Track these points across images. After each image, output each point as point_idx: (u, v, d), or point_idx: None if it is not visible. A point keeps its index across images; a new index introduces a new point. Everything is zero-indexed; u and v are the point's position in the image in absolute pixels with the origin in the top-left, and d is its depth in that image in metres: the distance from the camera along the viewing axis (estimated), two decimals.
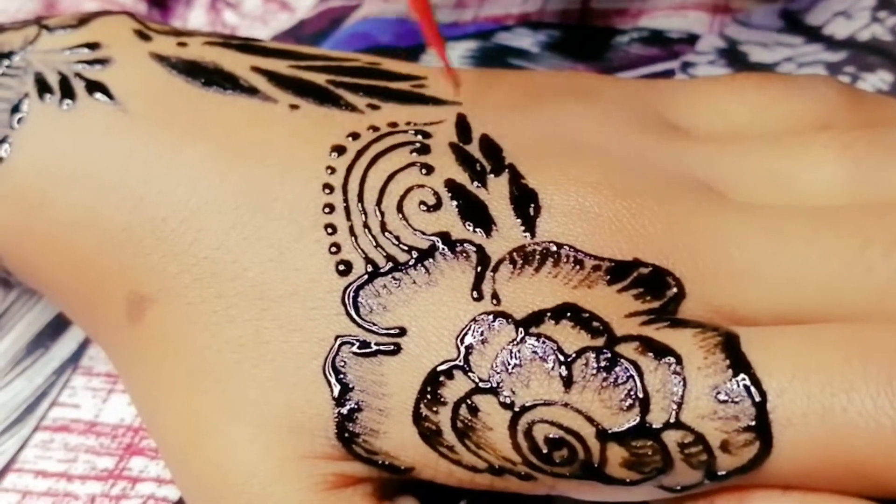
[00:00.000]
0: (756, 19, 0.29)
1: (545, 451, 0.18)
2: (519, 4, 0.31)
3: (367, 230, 0.20)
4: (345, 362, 0.19)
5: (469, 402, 0.18)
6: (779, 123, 0.22)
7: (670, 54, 0.28)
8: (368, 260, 0.20)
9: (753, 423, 0.17)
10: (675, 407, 0.17)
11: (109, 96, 0.22)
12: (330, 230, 0.20)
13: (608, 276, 0.19)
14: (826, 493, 0.18)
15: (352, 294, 0.20)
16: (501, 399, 0.18)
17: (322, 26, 0.33)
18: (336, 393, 0.19)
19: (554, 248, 0.19)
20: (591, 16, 0.30)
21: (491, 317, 0.19)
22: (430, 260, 0.19)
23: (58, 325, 0.27)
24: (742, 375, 0.17)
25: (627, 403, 0.18)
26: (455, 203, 0.20)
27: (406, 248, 0.20)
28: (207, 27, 0.35)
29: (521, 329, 0.19)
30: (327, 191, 0.20)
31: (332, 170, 0.21)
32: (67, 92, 0.22)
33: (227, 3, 0.36)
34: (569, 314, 0.19)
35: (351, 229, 0.20)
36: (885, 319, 0.18)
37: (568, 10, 0.31)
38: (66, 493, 0.23)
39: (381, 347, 0.19)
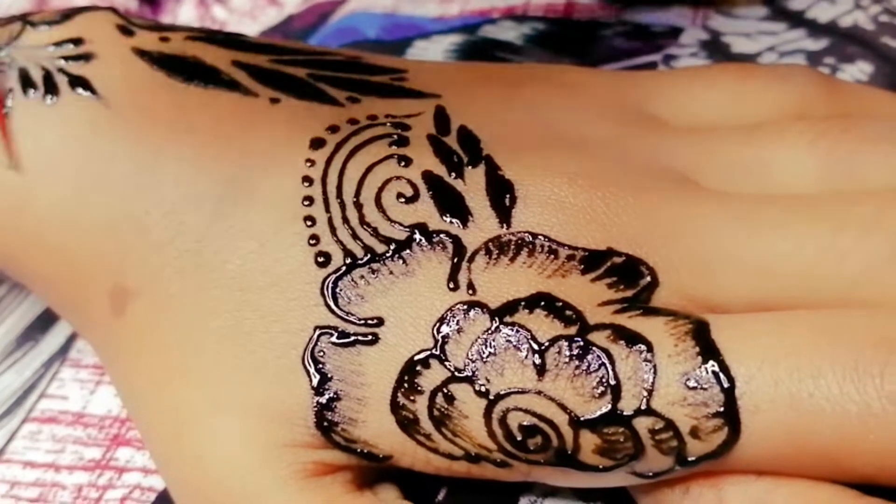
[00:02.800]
0: (740, 9, 0.29)
1: (520, 438, 0.18)
2: None
3: (345, 222, 0.20)
4: (324, 352, 0.19)
5: (445, 391, 0.19)
6: (756, 113, 0.22)
7: (653, 47, 0.28)
8: (347, 251, 0.20)
9: (722, 409, 0.17)
10: (645, 394, 0.18)
11: (92, 91, 0.22)
12: (309, 222, 0.20)
13: (582, 266, 0.19)
14: (799, 478, 0.18)
15: (330, 285, 0.20)
16: (477, 387, 0.19)
17: (310, 21, 0.34)
18: (315, 382, 0.19)
19: (529, 238, 0.20)
20: (575, 9, 0.30)
21: (466, 306, 0.19)
22: (408, 251, 0.20)
23: (47, 319, 0.27)
24: (711, 362, 0.18)
25: (599, 391, 0.18)
26: (432, 194, 0.20)
27: (384, 239, 0.20)
28: (197, 22, 0.36)
29: (495, 318, 0.19)
30: (306, 183, 0.21)
31: (312, 162, 0.21)
32: (51, 87, 0.23)
33: None
34: (542, 303, 0.19)
35: (329, 221, 0.20)
36: (858, 306, 0.19)
37: (552, 3, 0.31)
38: (53, 484, 0.23)
39: (360, 337, 0.19)
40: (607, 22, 0.30)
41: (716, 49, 0.28)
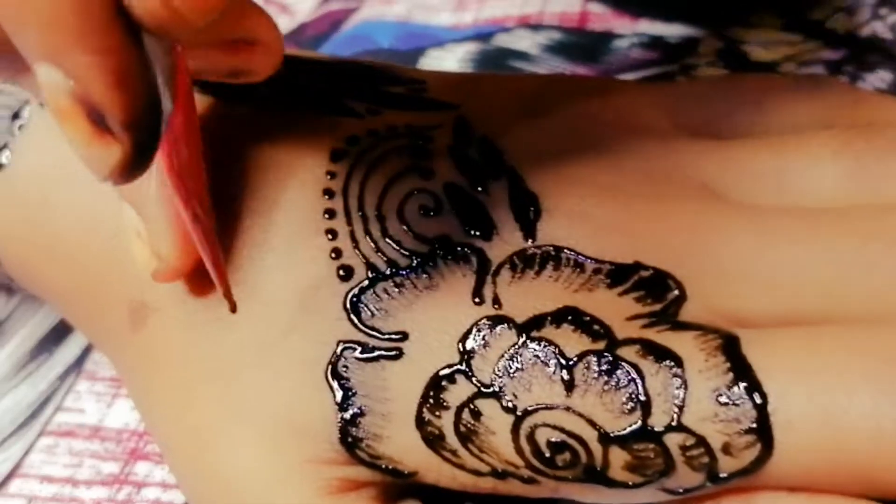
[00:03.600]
0: (756, 18, 0.29)
1: (548, 454, 0.18)
2: (519, 6, 0.31)
3: (367, 235, 0.20)
4: (347, 367, 0.19)
5: (472, 407, 0.19)
6: (780, 124, 0.22)
7: (670, 57, 0.28)
8: (369, 265, 0.20)
9: (754, 425, 0.17)
10: (676, 410, 0.17)
11: None
12: (331, 235, 0.20)
13: (609, 280, 0.19)
14: (833, 494, 0.18)
15: (353, 299, 0.20)
16: (504, 403, 0.18)
17: (322, 29, 0.33)
18: (339, 398, 0.19)
19: (554, 252, 0.19)
20: (590, 18, 0.30)
21: (492, 321, 0.19)
22: (431, 264, 0.20)
23: (61, 330, 0.27)
24: (742, 378, 0.17)
25: (629, 407, 0.18)
26: (455, 207, 0.20)
27: (407, 252, 0.20)
28: None
29: (522, 333, 0.19)
30: (327, 196, 0.20)
31: (333, 174, 0.21)
32: None
33: None
34: (570, 318, 0.19)
35: (352, 234, 0.20)
36: (886, 320, 0.19)
37: (567, 12, 0.31)
38: (71, 499, 0.23)
39: (384, 352, 0.19)
40: (623, 32, 0.30)
41: (734, 58, 0.28)
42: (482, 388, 0.18)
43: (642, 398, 0.18)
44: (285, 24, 0.35)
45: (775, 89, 0.23)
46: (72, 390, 0.26)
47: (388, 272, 0.20)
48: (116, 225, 0.21)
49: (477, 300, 0.19)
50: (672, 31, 0.29)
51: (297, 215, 0.20)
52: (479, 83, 0.24)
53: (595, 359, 0.18)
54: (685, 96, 0.23)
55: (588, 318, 0.19)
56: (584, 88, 0.23)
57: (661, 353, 0.18)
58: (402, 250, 0.20)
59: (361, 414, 0.19)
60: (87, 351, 0.26)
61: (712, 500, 0.18)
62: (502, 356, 0.18)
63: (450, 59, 0.30)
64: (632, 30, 0.29)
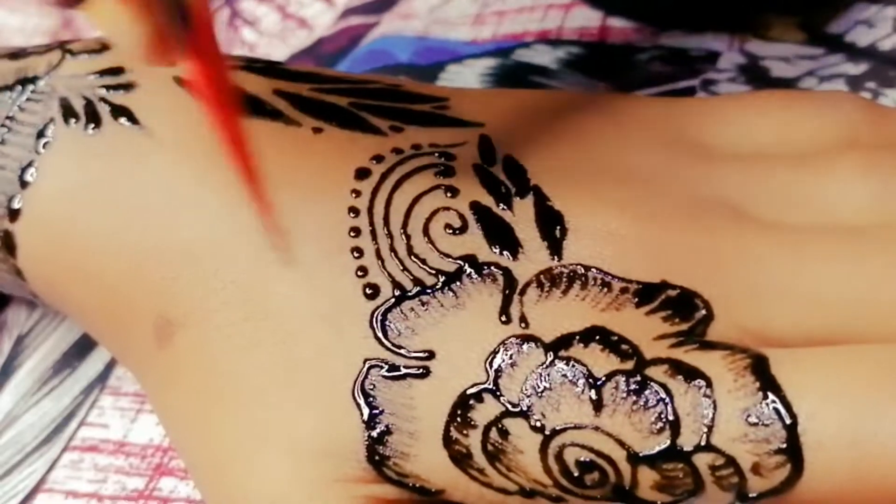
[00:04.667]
0: (778, 33, 0.29)
1: (576, 474, 0.18)
2: (538, 21, 0.31)
3: (393, 253, 0.20)
4: (374, 385, 0.19)
5: (499, 426, 0.19)
6: (804, 141, 0.22)
7: (691, 72, 0.28)
8: (395, 283, 0.20)
9: (784, 445, 0.17)
10: (705, 430, 0.17)
11: (134, 121, 0.22)
12: (356, 253, 0.20)
13: (636, 299, 0.19)
14: None
15: (379, 317, 0.20)
16: (532, 422, 0.18)
17: (341, 44, 0.34)
18: (366, 416, 0.19)
19: (581, 271, 0.19)
20: (610, 33, 0.30)
21: (520, 340, 0.19)
22: (458, 283, 0.20)
23: (84, 345, 0.27)
24: (772, 398, 0.17)
25: (658, 426, 0.18)
26: (481, 225, 0.20)
27: (433, 271, 0.20)
28: (226, 44, 0.36)
29: (550, 352, 0.19)
30: (353, 214, 0.21)
31: (357, 193, 0.21)
32: (93, 117, 0.23)
33: (246, 21, 0.36)
34: (598, 337, 0.19)
35: (377, 252, 0.20)
36: None
37: (586, 26, 0.31)
38: None
39: (410, 370, 0.19)
40: (643, 46, 0.30)
41: (754, 74, 0.28)
42: (510, 408, 0.19)
43: (671, 418, 0.18)
44: (304, 38, 0.35)
45: (798, 106, 0.23)
46: (95, 405, 0.26)
47: (414, 290, 0.20)
48: (142, 244, 0.22)
49: (504, 319, 0.19)
50: (693, 44, 0.29)
51: (322, 233, 0.20)
52: (501, 100, 0.24)
53: (624, 378, 0.18)
54: (708, 112, 0.23)
55: (616, 338, 0.19)
56: (608, 106, 0.23)
57: (689, 373, 0.18)
58: (427, 268, 0.20)
59: (388, 432, 0.19)
60: (110, 366, 0.27)
61: None
62: (530, 375, 0.19)
63: (469, 74, 0.30)
64: (652, 44, 0.29)
